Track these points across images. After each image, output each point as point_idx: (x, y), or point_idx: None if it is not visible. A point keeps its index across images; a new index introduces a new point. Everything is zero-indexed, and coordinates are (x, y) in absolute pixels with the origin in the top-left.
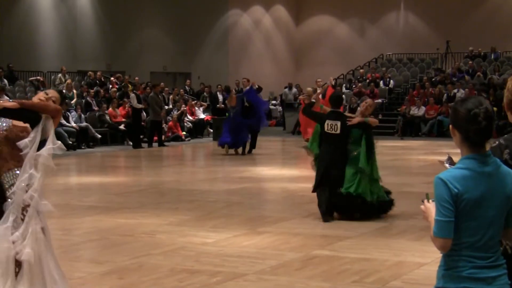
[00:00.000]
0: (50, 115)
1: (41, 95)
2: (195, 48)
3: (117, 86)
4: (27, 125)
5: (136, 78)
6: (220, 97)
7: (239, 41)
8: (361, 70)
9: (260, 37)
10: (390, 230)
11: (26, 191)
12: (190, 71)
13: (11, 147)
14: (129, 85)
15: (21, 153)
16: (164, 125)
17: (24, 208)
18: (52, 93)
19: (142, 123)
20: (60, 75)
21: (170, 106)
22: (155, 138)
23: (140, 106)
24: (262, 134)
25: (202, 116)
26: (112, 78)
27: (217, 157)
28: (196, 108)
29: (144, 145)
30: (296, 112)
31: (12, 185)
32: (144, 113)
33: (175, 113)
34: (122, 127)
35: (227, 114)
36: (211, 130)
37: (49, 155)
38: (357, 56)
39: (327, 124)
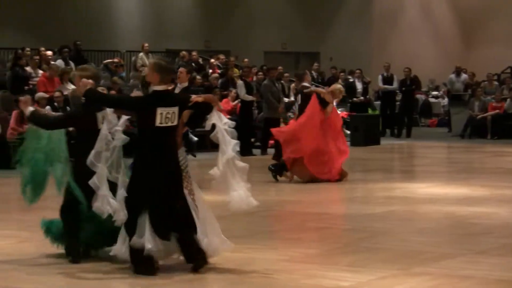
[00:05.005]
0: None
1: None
2: (325, 20)
3: (219, 71)
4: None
5: (245, 59)
6: (359, 86)
7: (386, 10)
8: None
9: (415, 4)
10: None
11: None
12: (318, 50)
13: None
14: (236, 70)
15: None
16: (282, 124)
17: None
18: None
19: (254, 121)
20: (141, 54)
21: (292, 98)
22: (271, 142)
23: (250, 98)
24: (418, 137)
25: None
26: (212, 60)
27: (356, 168)
28: None
29: (256, 151)
30: (466, 108)
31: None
32: (256, 108)
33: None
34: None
35: None
36: (348, 132)
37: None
38: None
39: None
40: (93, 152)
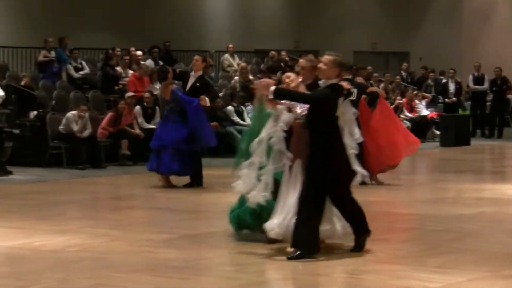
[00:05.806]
0: None
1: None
2: (415, 19)
3: None
4: None
5: None
6: (452, 87)
7: (477, 9)
8: None
9: (507, 2)
10: None
11: None
12: (408, 50)
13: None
14: None
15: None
16: None
17: None
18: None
19: None
20: (226, 55)
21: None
22: None
23: None
24: (510, 138)
25: (425, 112)
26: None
27: (447, 168)
28: (417, 102)
29: None
30: None
31: None
32: None
33: None
34: None
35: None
36: (438, 132)
37: None
38: None
39: None
40: (256, 140)
